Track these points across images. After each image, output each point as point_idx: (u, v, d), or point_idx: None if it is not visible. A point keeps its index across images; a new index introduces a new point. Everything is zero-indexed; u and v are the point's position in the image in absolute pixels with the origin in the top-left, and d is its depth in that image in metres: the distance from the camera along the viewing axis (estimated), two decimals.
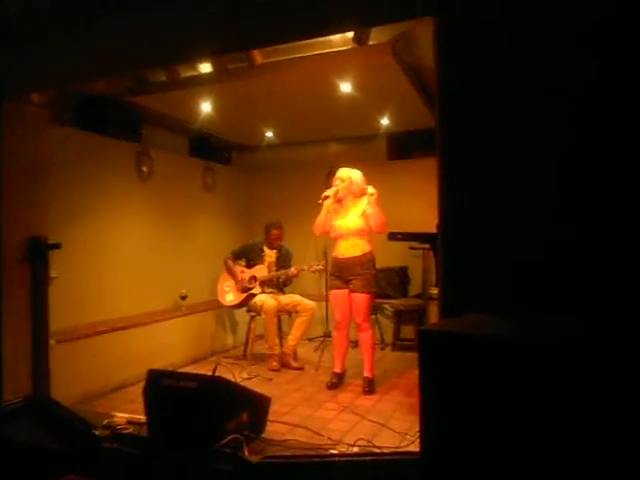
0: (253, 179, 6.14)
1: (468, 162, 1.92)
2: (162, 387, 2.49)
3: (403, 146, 5.42)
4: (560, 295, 1.70)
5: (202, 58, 2.78)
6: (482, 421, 1.32)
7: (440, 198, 2.00)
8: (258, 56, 2.60)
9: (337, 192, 3.71)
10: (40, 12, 2.45)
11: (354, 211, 3.71)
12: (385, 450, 2.41)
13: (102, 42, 2.45)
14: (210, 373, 2.56)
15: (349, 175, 3.75)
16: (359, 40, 2.43)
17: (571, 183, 1.69)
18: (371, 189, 3.61)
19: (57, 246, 3.10)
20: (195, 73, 3.42)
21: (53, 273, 3.34)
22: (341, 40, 2.91)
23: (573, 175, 1.68)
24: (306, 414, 3.24)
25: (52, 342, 3.26)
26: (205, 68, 3.34)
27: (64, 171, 3.71)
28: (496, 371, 1.30)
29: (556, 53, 1.70)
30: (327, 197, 3.71)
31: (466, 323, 1.55)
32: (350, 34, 2.48)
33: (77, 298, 3.80)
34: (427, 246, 3.32)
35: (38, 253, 3.07)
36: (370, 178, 3.87)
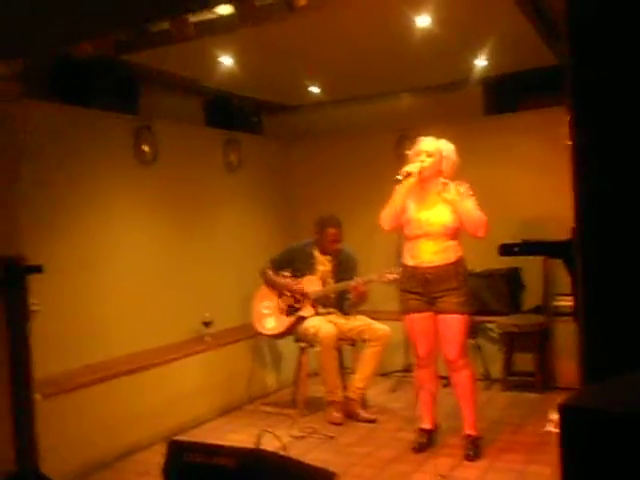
0: (293, 152, 6.15)
1: (621, 128, 1.75)
2: (189, 465, 2.52)
3: (507, 95, 5.32)
4: None
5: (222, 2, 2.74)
6: None
7: (577, 183, 1.86)
8: None
9: (423, 170, 3.57)
10: None
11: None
12: None
13: None
14: (251, 443, 2.58)
15: (437, 147, 3.62)
16: None
17: None
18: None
19: (38, 269, 3.17)
20: (211, 16, 3.41)
21: (33, 304, 3.43)
22: None
23: None
24: None
25: (38, 396, 3.36)
26: (224, 9, 3.32)
27: (41, 163, 3.80)
28: None
29: None
30: (409, 174, 3.57)
31: (632, 392, 1.46)
32: None
33: (67, 335, 3.91)
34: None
35: (14, 279, 3.16)
36: (460, 142, 3.76)
